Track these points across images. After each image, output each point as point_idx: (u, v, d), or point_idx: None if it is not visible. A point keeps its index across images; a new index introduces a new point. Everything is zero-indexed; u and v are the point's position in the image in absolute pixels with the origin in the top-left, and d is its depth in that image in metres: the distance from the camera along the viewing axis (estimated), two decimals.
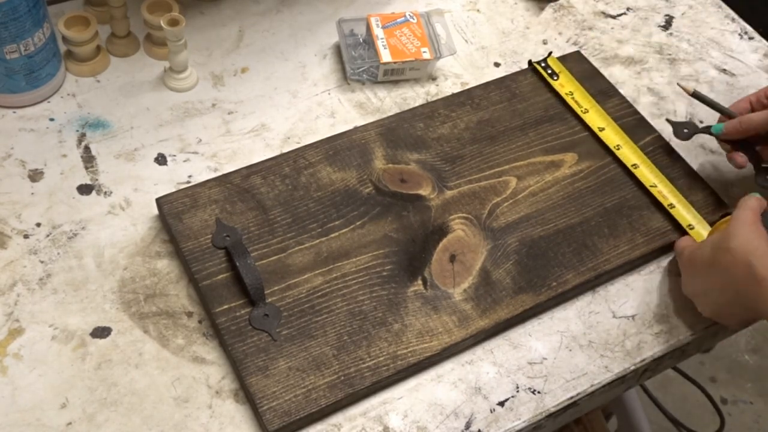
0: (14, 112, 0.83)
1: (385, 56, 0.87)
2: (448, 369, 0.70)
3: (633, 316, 0.75)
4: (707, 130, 0.82)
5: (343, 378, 0.66)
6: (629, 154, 0.83)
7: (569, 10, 1.02)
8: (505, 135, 0.85)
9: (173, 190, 0.77)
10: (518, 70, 0.92)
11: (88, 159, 0.80)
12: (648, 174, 0.82)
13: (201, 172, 0.80)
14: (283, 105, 0.87)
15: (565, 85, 0.89)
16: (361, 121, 0.86)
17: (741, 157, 0.79)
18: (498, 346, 0.72)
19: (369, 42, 0.90)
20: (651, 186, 0.81)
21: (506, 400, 0.68)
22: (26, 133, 0.81)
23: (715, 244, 0.69)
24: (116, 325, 0.69)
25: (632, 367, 0.71)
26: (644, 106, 0.91)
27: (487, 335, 0.71)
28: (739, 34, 1.02)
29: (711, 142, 0.88)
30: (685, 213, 0.79)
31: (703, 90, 0.94)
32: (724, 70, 0.97)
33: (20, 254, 0.73)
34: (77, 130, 0.82)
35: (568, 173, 0.82)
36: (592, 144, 0.85)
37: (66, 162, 0.80)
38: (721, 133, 0.80)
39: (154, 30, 0.87)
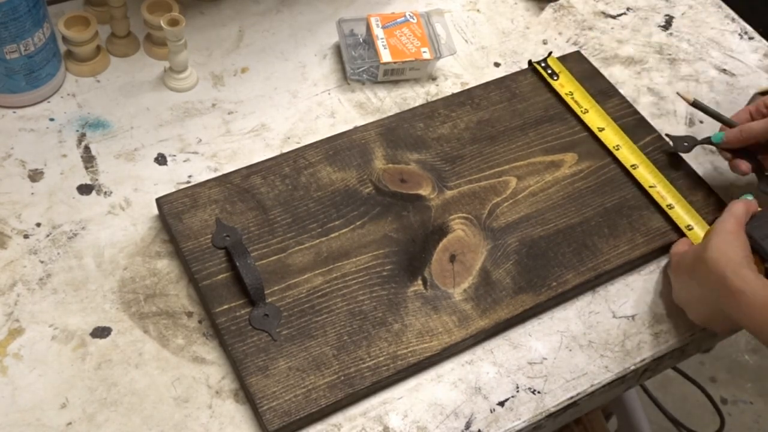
0: (14, 112, 0.83)
1: (385, 56, 0.87)
2: (448, 369, 0.70)
3: (633, 316, 0.75)
4: (707, 141, 0.82)
5: (343, 378, 0.66)
6: (628, 154, 0.83)
7: (569, 10, 1.02)
8: (505, 135, 0.85)
9: (173, 190, 0.77)
10: (518, 70, 0.92)
11: (88, 159, 0.80)
12: (647, 174, 0.82)
13: (201, 172, 0.80)
14: (283, 105, 0.87)
15: (565, 85, 0.89)
16: (361, 121, 0.86)
17: (745, 165, 0.79)
18: (498, 346, 0.72)
19: (369, 42, 0.90)
20: (650, 187, 0.81)
21: (506, 400, 0.68)
22: (26, 133, 0.82)
23: (696, 253, 0.69)
24: (116, 325, 0.69)
25: (632, 367, 0.72)
26: (644, 106, 0.91)
27: (487, 335, 0.71)
28: (739, 34, 1.02)
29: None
30: (683, 214, 0.79)
31: (703, 90, 0.94)
32: (724, 70, 0.97)
33: (20, 254, 0.73)
34: (77, 130, 0.82)
35: (568, 173, 0.82)
36: (592, 144, 0.85)
37: (66, 162, 0.80)
38: (723, 142, 0.80)
39: (154, 30, 0.87)
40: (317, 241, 0.74)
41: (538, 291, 0.73)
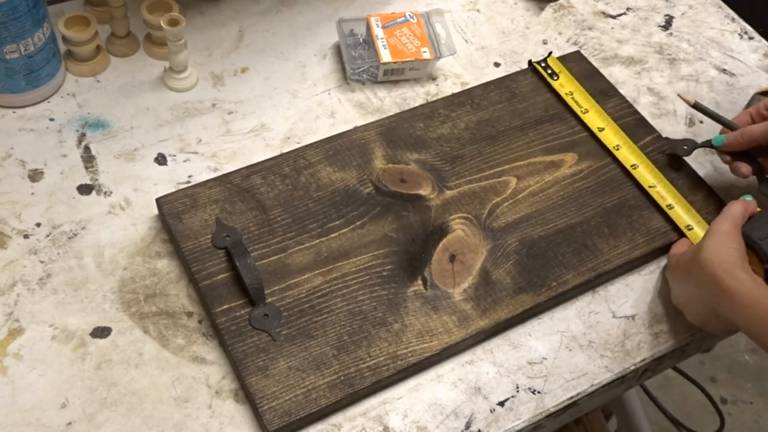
0: (14, 112, 0.83)
1: (385, 56, 0.87)
2: (448, 369, 0.70)
3: (633, 316, 0.75)
4: (707, 143, 0.82)
5: (343, 378, 0.66)
6: (628, 154, 0.83)
7: (569, 10, 1.02)
8: (505, 135, 0.85)
9: (173, 190, 0.77)
10: (518, 70, 0.92)
11: (88, 159, 0.80)
12: (647, 174, 0.82)
13: (201, 172, 0.80)
14: (283, 105, 0.87)
15: (565, 85, 0.89)
16: (361, 121, 0.86)
17: (745, 167, 0.78)
18: (498, 346, 0.72)
19: (369, 42, 0.90)
20: (650, 187, 0.81)
21: (506, 400, 0.68)
22: (26, 133, 0.82)
23: (692, 254, 0.69)
24: (116, 325, 0.69)
25: (632, 367, 0.71)
26: (644, 106, 0.91)
27: (487, 335, 0.71)
28: (739, 34, 1.02)
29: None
30: (683, 214, 0.79)
31: (703, 90, 0.94)
32: (724, 70, 0.97)
33: (20, 254, 0.73)
34: (77, 130, 0.82)
35: (568, 173, 0.82)
36: (592, 144, 0.85)
37: (66, 162, 0.80)
38: (723, 145, 0.79)
39: (154, 30, 0.87)
40: (317, 241, 0.74)
41: (538, 291, 0.73)
